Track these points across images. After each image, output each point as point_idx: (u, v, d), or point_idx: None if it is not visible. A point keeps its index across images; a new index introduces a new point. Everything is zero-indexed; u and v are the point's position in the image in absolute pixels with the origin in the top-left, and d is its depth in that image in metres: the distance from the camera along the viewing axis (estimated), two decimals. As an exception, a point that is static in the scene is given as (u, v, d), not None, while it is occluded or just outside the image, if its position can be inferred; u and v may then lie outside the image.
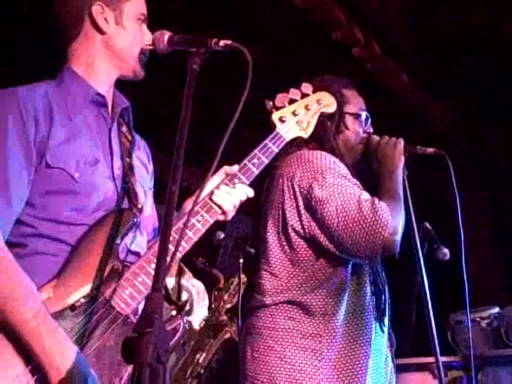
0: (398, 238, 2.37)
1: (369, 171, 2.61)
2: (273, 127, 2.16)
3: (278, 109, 2.19)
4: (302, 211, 2.44)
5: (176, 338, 1.89)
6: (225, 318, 4.00)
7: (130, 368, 1.77)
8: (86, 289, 1.82)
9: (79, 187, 1.89)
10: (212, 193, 1.98)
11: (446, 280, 3.45)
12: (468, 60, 5.00)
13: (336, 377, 2.38)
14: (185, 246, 1.91)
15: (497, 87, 5.17)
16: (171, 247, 1.53)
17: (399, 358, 2.91)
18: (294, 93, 2.23)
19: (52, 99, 1.94)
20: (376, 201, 2.37)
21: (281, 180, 2.49)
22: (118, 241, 1.88)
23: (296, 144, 2.45)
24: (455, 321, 4.11)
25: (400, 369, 3.03)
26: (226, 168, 2.05)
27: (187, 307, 3.92)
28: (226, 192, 2.00)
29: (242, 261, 3.76)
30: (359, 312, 2.46)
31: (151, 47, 2.03)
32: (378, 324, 2.50)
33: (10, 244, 1.80)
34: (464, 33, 4.78)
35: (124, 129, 2.09)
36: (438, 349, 2.50)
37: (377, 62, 5.03)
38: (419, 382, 3.76)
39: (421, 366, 3.76)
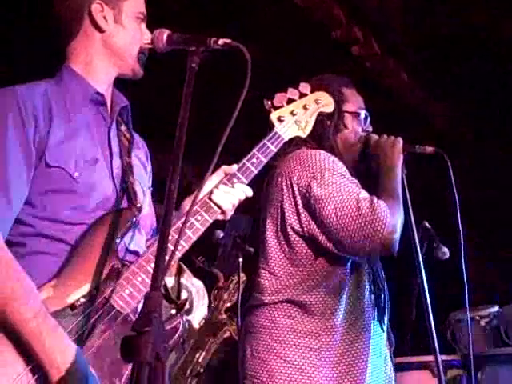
0: (397, 236, 2.37)
1: (368, 170, 2.61)
2: (271, 127, 2.16)
3: (276, 108, 2.19)
4: (301, 210, 2.44)
5: (175, 336, 1.90)
6: (224, 316, 4.00)
7: (129, 367, 1.77)
8: (86, 288, 1.82)
9: (79, 186, 1.89)
10: (211, 192, 1.99)
11: (446, 279, 3.45)
12: (468, 60, 4.99)
13: (335, 375, 2.39)
14: (184, 246, 1.92)
15: (496, 87, 5.17)
16: (170, 246, 1.53)
17: (399, 356, 2.92)
18: (292, 92, 2.23)
19: (51, 98, 1.94)
20: (375, 199, 2.38)
21: (280, 179, 2.50)
22: (117, 240, 1.89)
23: (295, 143, 2.45)
24: (455, 319, 4.11)
25: (400, 367, 3.05)
26: (224, 167, 2.05)
27: (187, 306, 3.91)
28: (225, 191, 2.00)
29: (241, 260, 3.76)
30: (358, 311, 2.46)
31: (150, 46, 2.03)
32: (377, 323, 2.50)
33: (9, 243, 1.80)
34: (464, 33, 4.78)
35: (123, 128, 2.09)
36: (437, 347, 2.50)
37: (376, 60, 5.03)
38: (419, 380, 3.76)
39: (420, 364, 3.76)
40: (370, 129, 2.71)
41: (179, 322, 1.91)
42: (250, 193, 2.06)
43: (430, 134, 5.12)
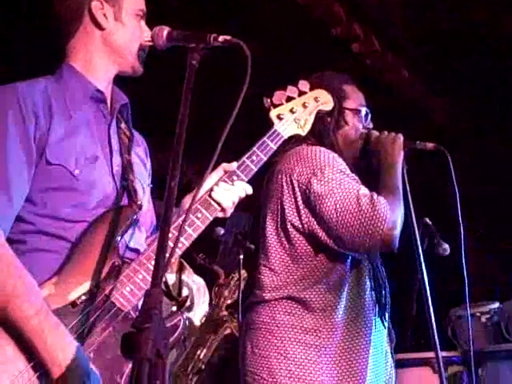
0: (397, 232, 2.37)
1: (368, 166, 2.61)
2: (270, 124, 2.17)
3: (275, 106, 2.20)
4: (301, 207, 2.44)
5: (176, 334, 1.90)
6: (225, 313, 4.00)
7: (130, 364, 1.77)
8: (87, 285, 1.82)
9: (79, 184, 1.89)
10: (211, 190, 1.99)
11: (447, 275, 3.45)
12: (468, 55, 4.99)
13: (336, 372, 2.39)
14: (184, 243, 1.92)
15: (497, 83, 5.17)
16: (170, 244, 1.53)
17: (399, 352, 2.92)
18: (291, 90, 2.23)
19: (51, 95, 1.93)
20: (375, 196, 2.38)
21: (280, 176, 2.50)
22: (117, 237, 1.89)
23: (295, 140, 2.45)
24: (455, 316, 4.11)
25: (400, 364, 3.05)
26: (224, 165, 2.05)
27: (188, 303, 3.92)
28: (225, 189, 2.00)
29: (241, 257, 3.76)
30: (359, 307, 2.46)
31: (150, 43, 2.03)
32: (378, 319, 2.50)
33: (10, 241, 1.80)
34: (464, 28, 4.77)
35: (123, 125, 2.09)
36: (438, 344, 2.50)
37: (377, 57, 5.02)
38: (419, 377, 3.76)
39: (421, 361, 3.76)
40: (371, 125, 2.71)
41: (180, 320, 1.91)
42: (249, 190, 2.06)
43: (430, 129, 5.12)
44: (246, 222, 3.78)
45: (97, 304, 1.81)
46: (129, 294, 1.84)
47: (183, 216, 1.84)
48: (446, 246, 3.35)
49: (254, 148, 2.08)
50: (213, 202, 1.98)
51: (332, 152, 2.50)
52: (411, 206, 2.56)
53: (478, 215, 5.69)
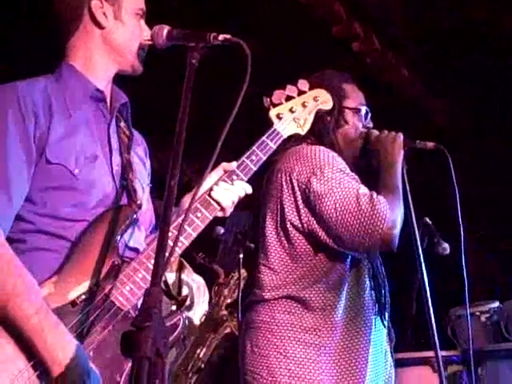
0: (397, 232, 2.37)
1: (368, 166, 2.61)
2: (270, 124, 2.17)
3: (275, 105, 2.20)
4: (301, 206, 2.44)
5: (176, 333, 1.90)
6: (225, 312, 3.99)
7: (130, 363, 1.77)
8: (87, 285, 1.82)
9: (79, 183, 1.89)
10: (211, 189, 1.99)
11: (446, 274, 3.45)
12: (468, 54, 4.99)
13: (335, 371, 2.39)
14: (184, 242, 1.92)
15: (497, 82, 5.16)
16: (170, 243, 1.53)
17: (399, 352, 2.91)
18: (290, 90, 2.24)
19: (51, 94, 1.93)
20: (374, 195, 2.38)
21: (279, 175, 2.50)
22: (117, 237, 1.89)
23: (295, 139, 2.45)
24: (455, 315, 4.11)
25: (400, 363, 3.04)
26: (224, 164, 2.05)
27: (188, 302, 3.92)
28: (225, 188, 2.01)
29: (241, 256, 3.76)
30: (359, 306, 2.46)
31: (150, 42, 2.03)
32: (378, 318, 2.50)
33: (10, 240, 1.80)
34: (464, 27, 4.78)
35: (122, 124, 2.09)
36: (437, 343, 2.50)
37: (377, 56, 5.02)
38: (419, 376, 3.76)
39: (421, 360, 3.76)
40: (371, 125, 2.71)
41: (179, 319, 1.91)
42: (249, 190, 2.06)
43: (430, 129, 5.12)
44: (246, 221, 3.78)
45: (96, 303, 1.81)
46: (128, 293, 1.84)
47: (183, 215, 1.84)
48: (446, 245, 3.34)
49: (254, 147, 2.09)
50: (212, 202, 1.98)
51: (332, 151, 2.50)
52: (411, 205, 2.56)
53: (478, 215, 5.70)
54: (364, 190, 2.41)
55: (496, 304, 4.12)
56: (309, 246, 2.45)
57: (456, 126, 5.86)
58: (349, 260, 2.48)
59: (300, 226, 2.45)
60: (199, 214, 1.95)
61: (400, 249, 2.40)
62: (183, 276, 4.03)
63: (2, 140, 1.82)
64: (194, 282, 4.09)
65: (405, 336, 4.08)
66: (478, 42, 4.88)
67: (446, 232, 3.21)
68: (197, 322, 4.01)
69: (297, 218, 2.45)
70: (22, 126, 1.84)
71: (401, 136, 2.60)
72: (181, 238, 1.90)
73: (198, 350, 3.87)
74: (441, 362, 2.53)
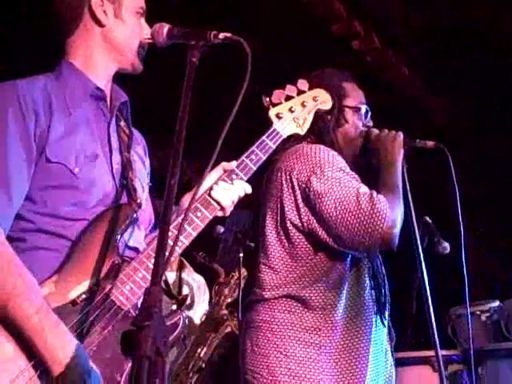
0: (397, 231, 2.37)
1: (368, 165, 2.61)
2: (269, 123, 2.17)
3: (274, 105, 2.20)
4: (301, 205, 2.44)
5: (176, 332, 1.90)
6: (226, 312, 3.99)
7: (131, 362, 1.77)
8: (87, 284, 1.82)
9: (79, 182, 1.89)
10: (211, 189, 1.99)
11: (446, 273, 3.45)
12: (468, 53, 4.99)
13: (336, 371, 2.39)
14: (184, 242, 1.92)
15: (497, 81, 5.16)
16: (170, 242, 1.53)
17: (399, 351, 2.91)
18: (290, 89, 2.24)
19: (51, 92, 1.93)
20: (374, 194, 2.38)
21: (279, 174, 2.49)
22: (117, 236, 1.89)
23: (295, 138, 2.45)
24: (455, 314, 4.11)
25: (400, 362, 3.04)
26: (223, 164, 2.05)
27: (188, 301, 3.92)
28: (225, 188, 2.00)
29: (241, 255, 3.75)
30: (359, 306, 2.46)
31: (150, 41, 2.02)
32: (378, 318, 2.50)
33: (10, 239, 1.80)
34: (464, 26, 4.77)
35: (122, 123, 2.08)
36: (438, 342, 2.50)
37: (377, 54, 5.02)
38: (419, 375, 3.75)
39: (421, 359, 3.75)
40: (371, 123, 2.70)
41: (179, 318, 1.91)
42: (248, 190, 2.06)
43: (430, 128, 5.12)
44: (246, 221, 3.78)
45: (97, 303, 1.81)
46: (129, 292, 1.84)
47: (183, 215, 1.84)
48: (446, 244, 3.34)
49: (253, 147, 2.09)
50: (212, 201, 1.98)
51: (332, 150, 2.50)
52: (411, 204, 2.56)
53: (478, 215, 5.70)
54: (364, 189, 2.40)
55: (496, 303, 4.11)
56: (309, 246, 2.45)
57: (456, 125, 5.85)
58: (349, 259, 2.48)
59: (300, 225, 2.45)
60: (199, 214, 1.95)
61: (400, 248, 2.40)
62: (183, 275, 4.03)
63: (2, 138, 1.82)
64: (195, 282, 4.09)
65: (405, 335, 4.09)
66: (478, 41, 4.88)
67: (446, 231, 3.21)
68: (197, 321, 4.01)
69: (297, 217, 2.45)
70: (22, 125, 1.84)
71: (401, 135, 2.60)
72: (181, 238, 1.90)
73: (199, 350, 3.87)
74: (441, 362, 2.53)
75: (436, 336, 2.48)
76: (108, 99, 2.06)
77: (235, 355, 2.56)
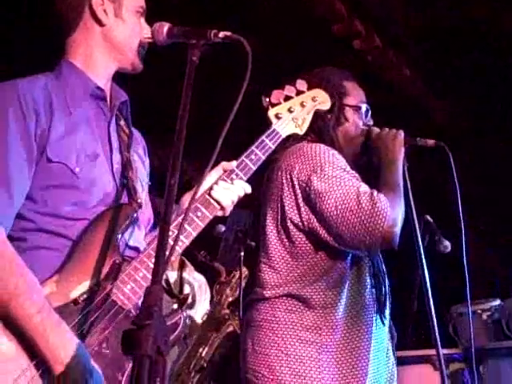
0: (397, 230, 2.37)
1: (368, 163, 2.61)
2: (269, 123, 2.18)
3: (273, 105, 2.21)
4: (301, 204, 2.44)
5: (177, 332, 1.90)
6: (227, 311, 3.99)
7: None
8: (88, 283, 1.82)
9: (80, 182, 1.89)
10: (211, 188, 1.99)
11: (447, 272, 3.45)
12: (468, 53, 4.99)
13: (337, 370, 2.39)
14: (184, 241, 1.92)
15: (497, 81, 5.16)
16: (171, 242, 1.53)
17: (400, 350, 2.91)
18: (289, 90, 2.25)
19: (51, 91, 1.93)
20: (375, 193, 2.37)
21: (280, 173, 2.49)
22: (118, 235, 1.89)
23: (295, 137, 2.45)
24: (456, 313, 4.11)
25: (401, 361, 3.04)
26: (223, 164, 2.05)
27: (189, 301, 3.92)
28: (225, 188, 2.01)
29: (242, 254, 3.76)
30: (359, 305, 2.46)
31: (150, 40, 2.03)
32: (378, 316, 2.50)
33: (10, 238, 1.80)
34: (464, 26, 4.77)
35: (122, 123, 2.09)
36: (439, 341, 2.50)
37: (378, 54, 5.02)
38: (420, 374, 3.76)
39: (422, 358, 3.76)
40: (371, 122, 2.70)
41: (180, 318, 1.91)
42: (248, 189, 2.07)
43: (430, 128, 5.11)
44: (247, 219, 3.78)
45: (98, 302, 1.81)
46: (130, 292, 1.84)
47: (183, 214, 1.84)
48: (447, 243, 3.34)
49: (253, 147, 2.09)
50: (212, 201, 1.98)
51: (332, 149, 2.50)
52: (412, 202, 2.56)
53: (479, 214, 5.69)
54: (365, 188, 2.40)
55: (497, 302, 4.12)
56: (309, 245, 2.45)
57: (456, 125, 5.85)
58: (349, 258, 2.48)
59: (300, 224, 2.45)
60: (199, 214, 1.95)
61: (401, 246, 2.40)
62: (184, 274, 4.03)
63: (3, 138, 1.82)
64: (196, 281, 4.09)
65: (406, 334, 4.09)
66: (478, 41, 4.87)
67: (447, 229, 3.21)
68: (198, 320, 4.01)
69: (297, 216, 2.45)
70: (22, 124, 1.84)
71: (401, 133, 2.60)
72: (181, 237, 1.90)
73: (201, 349, 3.87)
74: (442, 360, 2.53)
75: (437, 334, 2.48)
76: (108, 98, 2.06)
77: (237, 355, 2.56)
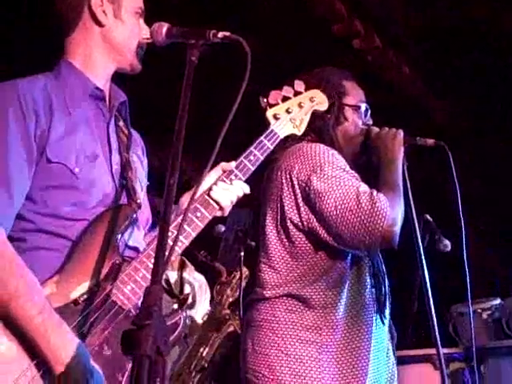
0: (397, 229, 2.37)
1: (368, 163, 2.61)
2: (267, 124, 2.18)
3: (271, 106, 2.21)
4: (301, 204, 2.44)
5: (177, 332, 1.90)
6: (228, 311, 3.99)
7: (132, 362, 1.77)
8: (88, 284, 1.83)
9: (79, 182, 1.89)
10: (210, 189, 1.99)
11: (447, 271, 3.45)
12: (468, 53, 4.99)
13: (337, 369, 2.39)
14: (184, 242, 1.92)
15: (497, 81, 5.16)
16: (170, 242, 1.53)
17: (400, 349, 2.91)
18: (287, 90, 2.25)
19: (51, 92, 1.93)
20: (374, 192, 2.37)
21: (279, 173, 2.49)
22: (117, 236, 1.89)
23: (294, 137, 2.45)
24: (457, 312, 4.10)
25: (401, 361, 3.03)
26: (223, 164, 2.06)
27: (189, 301, 3.92)
28: (224, 188, 2.01)
29: (242, 254, 3.76)
30: (359, 304, 2.46)
31: (149, 41, 2.03)
32: (378, 316, 2.50)
33: (10, 239, 1.80)
34: (464, 26, 4.77)
35: (121, 123, 2.09)
36: (439, 340, 2.50)
37: (377, 54, 5.02)
38: (420, 373, 3.75)
39: (422, 357, 3.76)
40: (371, 122, 2.70)
41: (180, 318, 1.91)
42: (247, 190, 2.07)
43: (430, 128, 5.11)
44: (247, 219, 3.78)
45: (98, 302, 1.81)
46: (130, 292, 1.84)
47: (182, 215, 1.84)
48: (447, 242, 3.34)
49: (251, 148, 2.09)
50: (211, 201, 1.99)
51: (332, 149, 2.50)
52: (412, 202, 2.56)
53: (479, 214, 5.69)
54: (364, 187, 2.40)
55: (497, 301, 4.11)
56: (309, 244, 2.45)
57: (456, 125, 5.85)
58: (349, 258, 2.48)
59: (300, 224, 2.45)
60: (198, 214, 1.96)
61: (401, 246, 2.40)
62: (185, 274, 4.03)
63: (3, 138, 1.82)
64: (196, 281, 4.09)
65: (406, 333, 4.08)
66: (478, 41, 4.87)
67: (447, 228, 3.21)
68: (199, 320, 4.01)
69: (297, 216, 2.45)
70: (22, 124, 1.85)
71: (401, 133, 2.60)
72: (180, 238, 1.90)
73: (201, 349, 3.87)
74: (442, 360, 2.53)
75: (437, 334, 2.48)
76: (107, 99, 2.06)
77: (237, 355, 2.56)
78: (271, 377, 2.37)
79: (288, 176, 2.47)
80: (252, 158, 2.07)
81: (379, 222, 2.32)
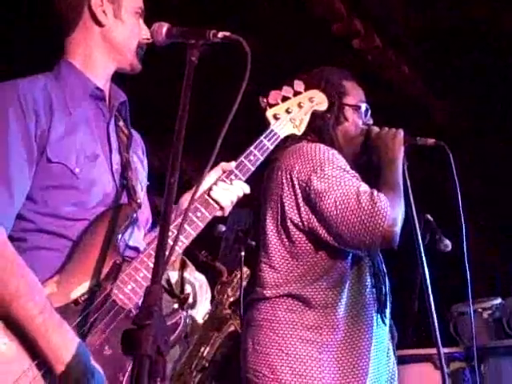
0: (398, 229, 2.37)
1: (368, 163, 2.61)
2: (267, 124, 2.18)
3: (271, 106, 2.21)
4: (301, 204, 2.44)
5: (177, 332, 1.90)
6: (229, 311, 3.99)
7: (132, 361, 1.77)
8: (89, 284, 1.83)
9: (79, 182, 1.89)
10: (210, 189, 1.99)
11: (448, 270, 3.45)
12: (468, 53, 4.98)
13: (337, 369, 2.39)
14: (184, 241, 1.92)
15: (497, 81, 5.16)
16: (170, 242, 1.53)
17: (401, 349, 2.91)
18: (286, 90, 2.25)
19: (51, 92, 1.94)
20: (375, 192, 2.37)
21: (280, 173, 2.50)
22: (118, 236, 1.89)
23: (294, 137, 2.45)
24: (457, 312, 4.10)
25: (402, 360, 3.03)
26: (223, 164, 2.06)
27: (190, 300, 3.92)
28: (224, 188, 2.01)
29: (243, 254, 3.76)
30: (360, 304, 2.46)
31: (149, 41, 2.03)
32: (379, 316, 2.50)
33: (10, 239, 1.81)
34: (464, 26, 4.77)
35: (121, 123, 2.09)
36: (439, 340, 2.50)
37: (377, 53, 5.02)
38: (421, 373, 3.75)
39: (423, 357, 3.75)
40: (371, 121, 2.70)
41: (180, 317, 1.91)
42: (247, 190, 2.07)
43: (430, 128, 5.11)
44: (247, 219, 3.78)
45: (98, 302, 1.81)
46: (130, 292, 1.85)
47: (182, 215, 1.84)
48: (448, 242, 3.33)
49: (251, 147, 2.10)
50: (212, 201, 1.99)
51: (332, 149, 2.50)
52: (412, 202, 2.56)
53: (479, 214, 5.69)
54: (364, 187, 2.40)
55: (498, 300, 4.11)
56: (309, 244, 2.45)
57: (456, 125, 5.85)
58: (350, 258, 2.48)
59: (300, 223, 2.45)
60: (199, 214, 1.96)
61: (401, 246, 2.40)
62: (185, 274, 4.03)
63: (3, 138, 1.82)
64: (197, 281, 4.10)
65: (406, 333, 4.08)
66: (478, 41, 4.87)
67: (447, 228, 3.21)
68: (200, 320, 4.02)
69: (297, 215, 2.45)
70: (23, 124, 1.85)
71: (401, 132, 2.60)
72: (181, 238, 1.90)
73: (202, 349, 3.87)
74: (443, 359, 2.53)
75: (438, 333, 2.48)
76: (107, 99, 2.07)
77: (238, 354, 2.56)
78: (272, 376, 2.37)
79: (288, 176, 2.47)
80: (252, 157, 2.07)
81: (380, 222, 2.32)
